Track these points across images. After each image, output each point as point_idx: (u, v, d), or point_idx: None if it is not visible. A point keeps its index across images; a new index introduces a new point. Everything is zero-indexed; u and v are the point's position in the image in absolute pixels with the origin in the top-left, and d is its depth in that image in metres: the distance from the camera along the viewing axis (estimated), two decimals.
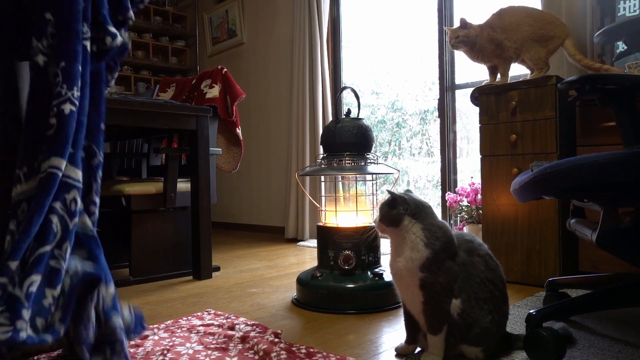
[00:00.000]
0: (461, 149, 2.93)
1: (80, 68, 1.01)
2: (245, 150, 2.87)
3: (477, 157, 2.09)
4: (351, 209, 1.76)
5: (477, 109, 2.10)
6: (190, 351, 1.24)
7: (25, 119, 1.04)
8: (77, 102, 0.99)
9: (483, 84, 2.13)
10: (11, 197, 1.07)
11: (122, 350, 1.02)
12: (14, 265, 0.90)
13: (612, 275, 1.57)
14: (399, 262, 1.12)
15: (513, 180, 1.23)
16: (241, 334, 1.34)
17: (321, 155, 1.81)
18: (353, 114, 1.81)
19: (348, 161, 1.70)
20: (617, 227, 1.02)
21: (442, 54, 2.89)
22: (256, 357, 1.19)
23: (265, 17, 4.00)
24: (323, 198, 1.84)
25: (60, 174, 0.96)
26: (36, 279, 0.90)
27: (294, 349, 1.23)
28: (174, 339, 1.34)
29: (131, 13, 1.16)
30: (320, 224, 1.79)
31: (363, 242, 1.67)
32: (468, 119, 2.94)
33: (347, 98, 3.59)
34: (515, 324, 1.39)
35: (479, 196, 2.38)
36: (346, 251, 1.66)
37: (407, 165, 3.38)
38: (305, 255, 2.84)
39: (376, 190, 1.82)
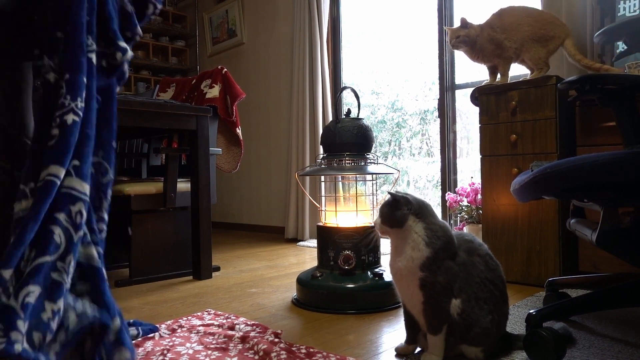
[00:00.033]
0: (461, 149, 2.93)
1: (84, 79, 0.99)
2: (245, 150, 2.87)
3: (477, 157, 2.09)
4: (351, 209, 1.76)
5: (477, 109, 2.10)
6: (190, 351, 1.24)
7: (33, 135, 1.04)
8: (80, 113, 0.98)
9: (483, 84, 2.13)
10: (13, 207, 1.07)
11: None
12: (7, 273, 0.86)
13: (612, 275, 1.57)
14: (399, 261, 1.12)
15: (513, 180, 1.23)
16: (241, 334, 1.34)
17: (321, 155, 1.81)
18: (353, 114, 1.81)
19: (348, 161, 1.70)
20: (617, 227, 1.02)
21: (442, 54, 2.89)
22: (256, 357, 1.19)
23: (265, 17, 4.00)
24: (323, 198, 1.84)
25: (59, 182, 0.94)
26: (33, 289, 0.86)
27: (294, 349, 1.23)
28: (174, 339, 1.34)
29: (139, 29, 1.17)
30: (320, 224, 1.79)
31: (365, 245, 1.67)
32: (468, 119, 2.94)
33: (347, 98, 3.59)
34: (515, 324, 1.39)
35: (479, 196, 2.38)
36: (346, 251, 1.66)
37: (407, 165, 3.38)
38: (305, 255, 2.84)
39: (376, 190, 1.82)
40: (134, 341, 1.28)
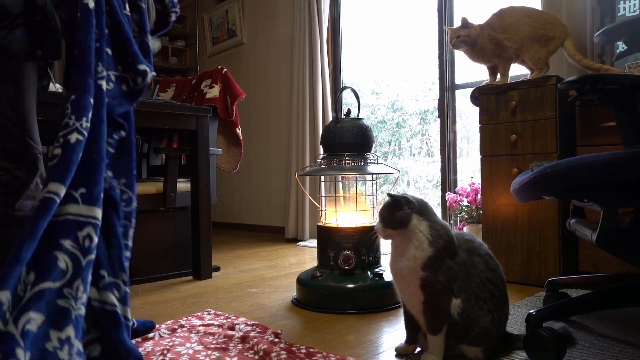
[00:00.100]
0: (461, 149, 2.93)
1: (91, 100, 0.98)
2: (245, 150, 2.87)
3: (477, 157, 2.09)
4: (351, 209, 1.76)
5: (477, 109, 2.10)
6: (190, 351, 1.24)
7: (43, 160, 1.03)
8: (85, 133, 0.95)
9: (483, 84, 2.13)
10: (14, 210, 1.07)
11: None
12: (4, 296, 0.80)
13: (612, 275, 1.57)
14: (400, 262, 1.12)
15: (513, 180, 1.23)
16: (241, 334, 1.34)
17: (321, 155, 1.81)
18: (353, 114, 1.81)
19: (348, 161, 1.70)
20: (617, 227, 1.02)
21: (442, 54, 2.89)
22: (256, 357, 1.19)
23: (265, 17, 4.00)
24: (323, 198, 1.84)
25: (58, 199, 0.90)
26: (34, 316, 0.81)
27: (294, 349, 1.23)
28: (174, 339, 1.34)
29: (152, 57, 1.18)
30: (320, 224, 1.79)
31: (366, 245, 1.67)
32: (468, 119, 2.94)
33: (347, 98, 3.59)
34: (515, 324, 1.39)
35: (479, 196, 2.38)
36: (346, 251, 1.66)
37: (407, 165, 3.38)
38: (305, 255, 2.84)
39: (376, 190, 1.82)
40: (133, 341, 1.28)
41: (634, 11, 2.00)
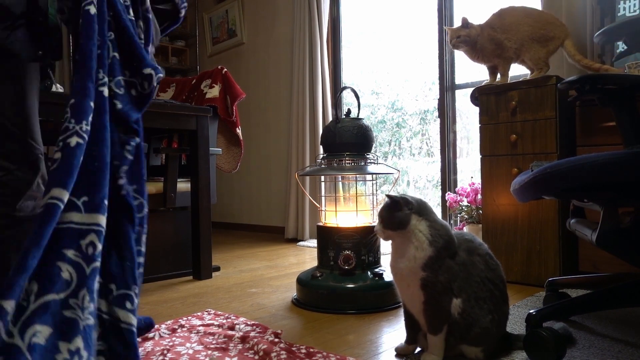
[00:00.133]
0: (461, 149, 2.93)
1: (91, 104, 0.97)
2: (245, 150, 2.87)
3: (477, 157, 2.09)
4: (351, 209, 1.76)
5: (477, 109, 2.10)
6: (190, 351, 1.24)
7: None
8: (85, 136, 0.94)
9: (483, 84, 2.13)
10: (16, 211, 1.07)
11: None
12: (9, 305, 0.79)
13: (612, 275, 1.57)
14: (400, 262, 1.12)
15: (513, 180, 1.23)
16: (241, 334, 1.34)
17: (321, 155, 1.81)
18: (353, 114, 1.81)
19: (348, 161, 1.70)
20: (617, 227, 1.02)
21: (442, 54, 2.89)
22: (256, 357, 1.19)
23: (265, 17, 4.00)
24: (323, 198, 1.84)
25: (62, 205, 0.88)
26: (41, 329, 0.80)
27: (294, 349, 1.23)
28: (174, 339, 1.34)
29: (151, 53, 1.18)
30: (320, 224, 1.79)
31: (366, 246, 1.67)
32: (468, 119, 2.94)
33: (347, 98, 3.59)
34: (515, 324, 1.39)
35: (479, 196, 2.38)
36: (346, 251, 1.66)
37: (407, 165, 3.38)
38: (305, 255, 2.84)
39: (376, 190, 1.82)
40: None
41: (634, 11, 2.00)
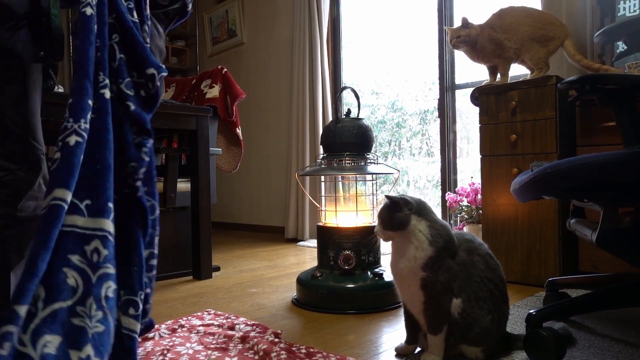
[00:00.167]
0: (461, 149, 2.93)
1: (89, 102, 0.96)
2: (245, 150, 2.87)
3: (477, 157, 2.09)
4: (351, 209, 1.76)
5: (477, 109, 2.10)
6: (190, 351, 1.24)
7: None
8: (84, 134, 0.93)
9: (483, 84, 2.13)
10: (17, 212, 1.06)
11: None
12: (22, 310, 0.79)
13: (612, 275, 1.57)
14: (401, 262, 1.12)
15: (513, 180, 1.23)
16: (241, 334, 1.34)
17: (321, 155, 1.81)
18: (353, 114, 1.81)
19: (348, 161, 1.70)
20: (617, 227, 1.02)
21: (442, 54, 2.89)
22: (256, 357, 1.19)
23: (265, 17, 4.00)
24: (323, 198, 1.84)
25: (65, 205, 0.88)
26: (51, 339, 0.80)
27: (294, 349, 1.23)
28: (174, 339, 1.34)
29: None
30: (320, 224, 1.79)
31: (366, 247, 1.67)
32: (468, 119, 2.94)
33: (347, 98, 3.59)
34: (515, 324, 1.39)
35: (479, 196, 2.38)
36: (346, 251, 1.66)
37: (407, 165, 3.38)
38: (305, 255, 2.84)
39: (376, 190, 1.82)
40: None
41: (634, 11, 2.00)
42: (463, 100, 2.87)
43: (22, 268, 1.15)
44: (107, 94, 1.02)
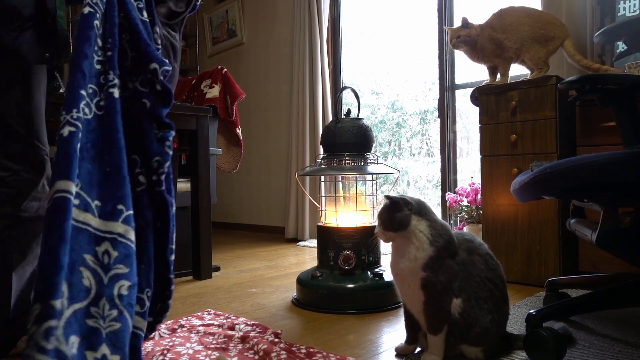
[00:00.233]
0: (461, 149, 2.93)
1: (82, 92, 0.95)
2: (245, 150, 2.87)
3: (477, 157, 2.09)
4: (351, 209, 1.76)
5: (477, 109, 2.10)
6: (190, 351, 1.24)
7: None
8: (78, 124, 0.92)
9: (483, 84, 2.13)
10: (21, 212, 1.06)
11: None
12: (58, 304, 0.79)
13: (612, 275, 1.57)
14: (401, 263, 1.12)
15: (513, 180, 1.23)
16: (241, 334, 1.34)
17: (321, 155, 1.81)
18: (353, 114, 1.81)
19: (348, 161, 1.70)
20: (617, 227, 1.02)
21: (442, 54, 2.89)
22: (256, 357, 1.19)
23: (265, 17, 4.00)
24: (323, 198, 1.84)
25: (70, 196, 0.86)
26: (74, 340, 0.81)
27: (294, 349, 1.23)
28: (174, 339, 1.34)
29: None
30: (320, 224, 1.79)
31: (366, 247, 1.67)
32: (468, 119, 2.94)
33: (347, 98, 3.60)
34: (515, 324, 1.39)
35: (479, 196, 2.38)
36: (346, 251, 1.66)
37: (407, 165, 3.38)
38: (305, 255, 2.84)
39: (376, 190, 1.82)
40: None
41: (634, 11, 2.00)
42: (463, 100, 2.88)
43: (24, 268, 1.15)
44: (116, 93, 1.01)
